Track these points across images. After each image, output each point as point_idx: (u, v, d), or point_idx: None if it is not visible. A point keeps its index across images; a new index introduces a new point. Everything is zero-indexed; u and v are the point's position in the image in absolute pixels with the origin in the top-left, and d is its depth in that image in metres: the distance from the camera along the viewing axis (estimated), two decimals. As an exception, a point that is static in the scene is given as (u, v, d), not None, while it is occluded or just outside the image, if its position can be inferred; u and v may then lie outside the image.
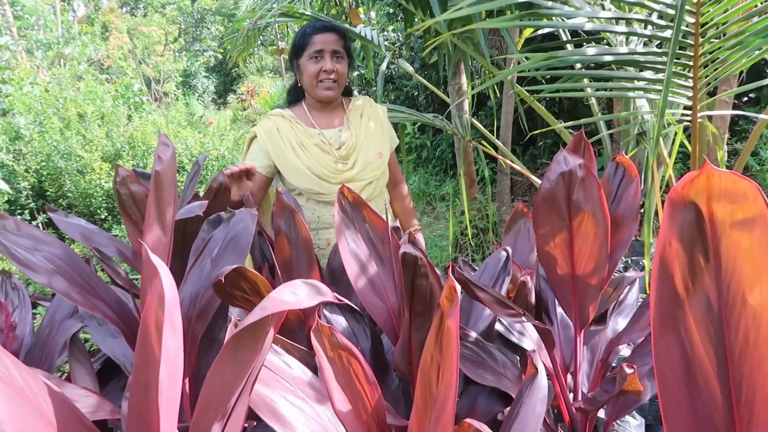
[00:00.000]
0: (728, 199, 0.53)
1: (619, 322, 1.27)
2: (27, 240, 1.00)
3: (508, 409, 0.88)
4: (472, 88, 3.80)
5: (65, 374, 1.15)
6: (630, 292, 1.34)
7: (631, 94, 1.94)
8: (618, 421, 1.23)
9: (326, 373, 0.74)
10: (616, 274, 1.31)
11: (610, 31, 1.82)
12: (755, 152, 4.68)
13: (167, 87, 11.53)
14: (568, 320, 1.18)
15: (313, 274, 1.19)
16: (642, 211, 2.63)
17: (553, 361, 1.09)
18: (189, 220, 1.15)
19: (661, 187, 2.32)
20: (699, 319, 0.55)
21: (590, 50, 1.76)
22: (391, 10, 6.59)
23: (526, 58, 1.83)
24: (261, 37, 4.11)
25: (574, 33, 3.55)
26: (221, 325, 1.05)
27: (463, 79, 3.79)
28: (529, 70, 1.77)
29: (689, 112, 1.72)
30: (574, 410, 1.09)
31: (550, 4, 1.59)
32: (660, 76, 1.74)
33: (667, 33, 1.60)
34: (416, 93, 7.08)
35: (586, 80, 2.59)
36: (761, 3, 1.57)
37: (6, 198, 4.54)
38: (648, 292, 1.15)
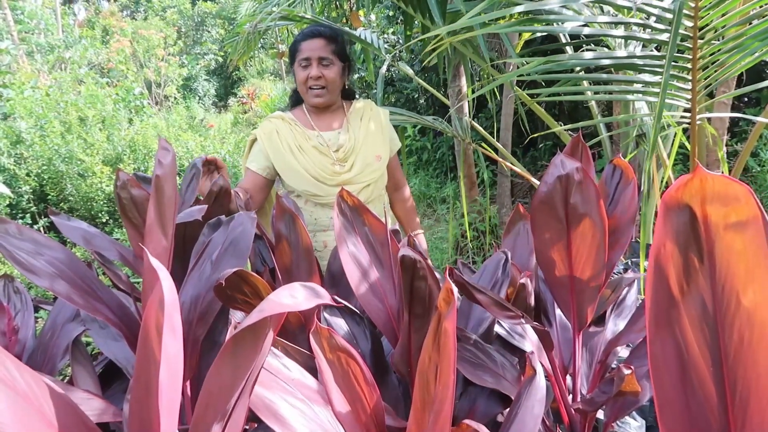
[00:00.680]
0: (721, 201, 0.53)
1: (617, 324, 1.28)
2: (29, 244, 1.01)
3: (508, 410, 0.89)
4: (473, 91, 3.80)
5: (67, 377, 1.16)
6: (628, 294, 1.35)
7: (630, 96, 1.95)
8: (618, 422, 1.24)
9: (325, 374, 0.75)
10: (616, 276, 1.32)
11: (609, 35, 1.83)
12: (755, 153, 4.68)
13: (168, 90, 11.54)
14: (567, 322, 1.18)
15: (313, 278, 1.19)
16: (639, 212, 2.64)
17: (552, 362, 1.10)
18: (189, 223, 1.16)
19: (661, 189, 2.32)
20: (694, 320, 0.56)
21: (589, 54, 1.77)
22: (390, 13, 6.60)
23: (527, 63, 1.84)
24: (261, 40, 4.12)
25: (574, 35, 3.56)
26: (222, 328, 1.06)
27: (463, 82, 3.80)
28: (528, 74, 1.78)
29: (688, 114, 1.72)
30: (573, 411, 1.10)
31: (547, 7, 1.60)
32: (658, 78, 1.75)
33: (665, 36, 1.61)
34: (416, 95, 7.09)
35: (585, 83, 2.60)
36: (760, 7, 1.58)
37: (7, 202, 4.54)
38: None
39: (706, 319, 0.55)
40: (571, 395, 1.18)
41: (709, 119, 2.51)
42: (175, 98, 11.72)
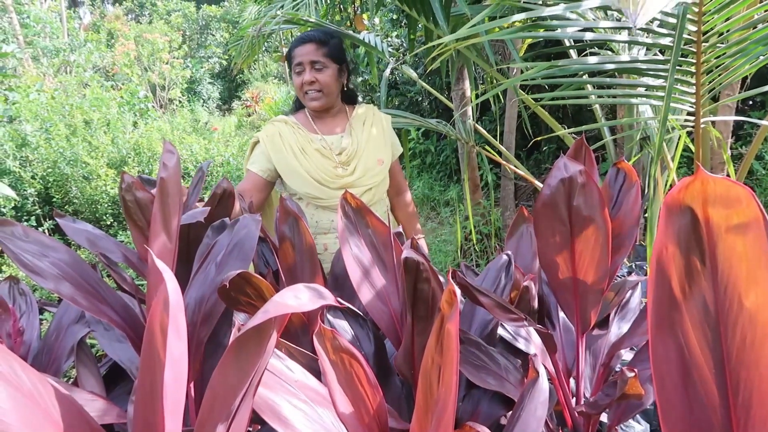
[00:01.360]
0: (723, 204, 0.53)
1: (621, 327, 1.28)
2: (34, 246, 1.01)
3: (511, 412, 0.89)
4: (477, 95, 3.81)
5: (72, 379, 1.16)
6: (632, 297, 1.34)
7: (633, 100, 1.95)
8: (622, 426, 1.23)
9: (329, 375, 0.75)
10: (619, 279, 1.32)
11: (613, 40, 1.83)
12: (760, 156, 4.67)
13: (172, 93, 11.58)
14: (570, 325, 1.18)
15: (316, 280, 1.20)
16: (645, 215, 2.63)
17: (555, 365, 1.10)
18: (193, 225, 1.16)
19: (665, 192, 2.32)
20: (696, 321, 0.56)
21: (593, 58, 1.77)
22: (394, 17, 6.62)
23: (532, 67, 1.84)
24: (265, 43, 4.13)
25: (578, 39, 3.56)
26: (226, 329, 1.06)
27: (467, 85, 3.80)
28: (533, 78, 1.78)
29: (692, 118, 1.72)
30: (576, 414, 1.10)
31: (549, 11, 1.60)
32: (661, 82, 1.75)
33: (667, 41, 1.61)
34: (420, 98, 7.09)
35: (589, 86, 2.60)
36: (764, 11, 1.58)
37: (13, 204, 4.56)
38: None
39: (708, 321, 0.55)
40: (574, 398, 1.17)
41: (713, 122, 2.51)
42: (180, 101, 11.76)
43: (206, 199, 1.33)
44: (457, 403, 1.01)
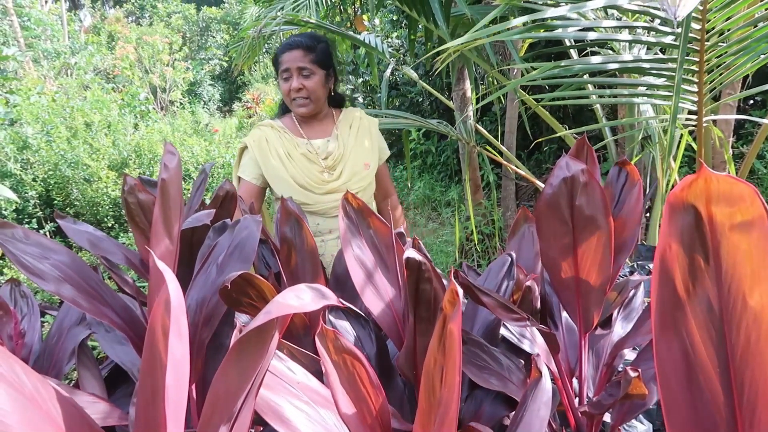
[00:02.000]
0: (727, 202, 0.53)
1: (624, 326, 1.27)
2: (35, 248, 1.01)
3: (513, 413, 0.88)
4: (477, 98, 3.81)
5: (73, 381, 1.16)
6: (635, 296, 1.34)
7: (636, 100, 1.95)
8: (625, 426, 1.23)
9: (331, 376, 0.74)
10: (622, 278, 1.31)
11: (615, 40, 1.83)
12: (761, 155, 4.66)
13: (173, 95, 11.59)
14: (573, 324, 1.18)
15: (318, 280, 1.19)
16: (648, 214, 2.63)
17: (558, 365, 1.09)
18: (195, 228, 1.16)
19: (667, 191, 2.31)
20: (700, 320, 0.55)
21: (596, 58, 1.77)
22: (394, 18, 6.62)
23: (533, 68, 1.83)
24: (266, 45, 4.13)
25: (579, 39, 3.56)
26: (227, 331, 1.06)
27: (467, 85, 3.80)
28: (534, 78, 1.78)
29: (694, 117, 1.72)
30: (579, 414, 1.09)
31: (553, 12, 1.59)
32: (663, 81, 1.74)
33: (669, 39, 1.61)
34: (421, 99, 7.10)
35: (590, 86, 2.59)
36: (766, 9, 1.58)
37: (14, 207, 4.57)
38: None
39: (712, 320, 0.55)
40: (577, 398, 1.17)
41: (715, 121, 2.50)
42: (180, 103, 11.77)
43: (206, 201, 1.33)
44: (460, 403, 1.01)
